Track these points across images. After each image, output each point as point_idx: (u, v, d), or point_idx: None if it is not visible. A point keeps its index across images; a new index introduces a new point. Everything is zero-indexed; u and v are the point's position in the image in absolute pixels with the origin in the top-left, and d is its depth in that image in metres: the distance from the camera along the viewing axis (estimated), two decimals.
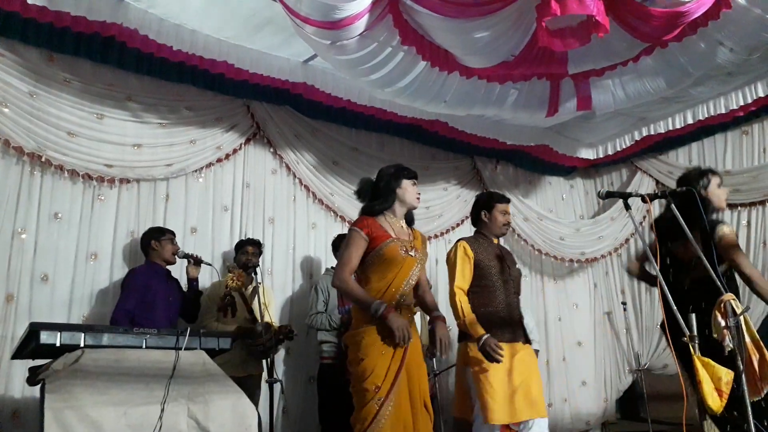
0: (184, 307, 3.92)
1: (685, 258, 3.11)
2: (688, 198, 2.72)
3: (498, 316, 3.24)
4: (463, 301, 3.23)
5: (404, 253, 2.81)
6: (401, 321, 2.64)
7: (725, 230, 3.07)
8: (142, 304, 3.63)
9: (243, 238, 4.54)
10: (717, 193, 3.21)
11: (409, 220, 3.02)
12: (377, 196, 2.93)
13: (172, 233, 4.00)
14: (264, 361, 3.98)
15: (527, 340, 3.40)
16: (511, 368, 3.16)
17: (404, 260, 2.81)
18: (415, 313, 3.08)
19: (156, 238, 3.89)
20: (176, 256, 3.92)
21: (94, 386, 2.59)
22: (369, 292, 2.75)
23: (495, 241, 3.52)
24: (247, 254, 4.21)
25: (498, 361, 3.03)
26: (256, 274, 3.79)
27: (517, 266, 3.55)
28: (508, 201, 3.57)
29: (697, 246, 2.60)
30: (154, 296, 3.70)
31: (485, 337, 3.07)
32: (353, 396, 2.80)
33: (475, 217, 3.56)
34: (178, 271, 4.14)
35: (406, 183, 2.95)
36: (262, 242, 4.44)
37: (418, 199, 3.01)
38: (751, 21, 3.99)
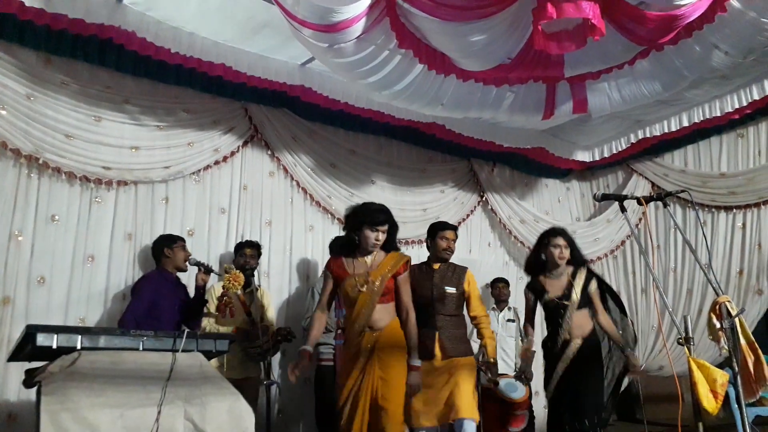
0: (187, 314, 3.91)
1: None
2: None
3: (423, 335, 3.44)
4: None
5: (356, 290, 3.14)
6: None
7: None
8: (150, 311, 3.63)
9: (241, 240, 4.54)
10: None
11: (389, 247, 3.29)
12: (346, 237, 3.29)
13: (183, 240, 4.01)
14: (260, 363, 3.98)
15: (448, 356, 3.64)
16: (436, 380, 3.57)
17: (357, 295, 3.13)
18: None
19: (168, 245, 3.90)
20: (188, 264, 3.93)
21: (91, 388, 2.59)
22: (346, 318, 3.25)
23: (436, 266, 3.86)
24: (245, 256, 4.21)
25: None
26: (253, 276, 3.79)
27: (452, 289, 3.77)
28: (451, 228, 3.97)
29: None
30: (162, 303, 3.71)
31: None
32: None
33: (427, 244, 4.00)
34: (186, 277, 4.14)
35: (366, 230, 3.17)
36: (260, 244, 4.44)
37: (378, 241, 3.21)
38: (746, 24, 4.01)
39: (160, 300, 3.71)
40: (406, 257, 3.29)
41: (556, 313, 3.67)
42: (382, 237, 3.19)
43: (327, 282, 3.27)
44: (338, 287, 3.24)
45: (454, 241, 3.90)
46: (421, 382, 3.19)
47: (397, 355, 3.13)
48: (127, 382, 2.70)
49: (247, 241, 4.41)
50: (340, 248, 3.29)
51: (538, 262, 3.82)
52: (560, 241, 3.70)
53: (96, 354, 2.68)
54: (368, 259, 3.21)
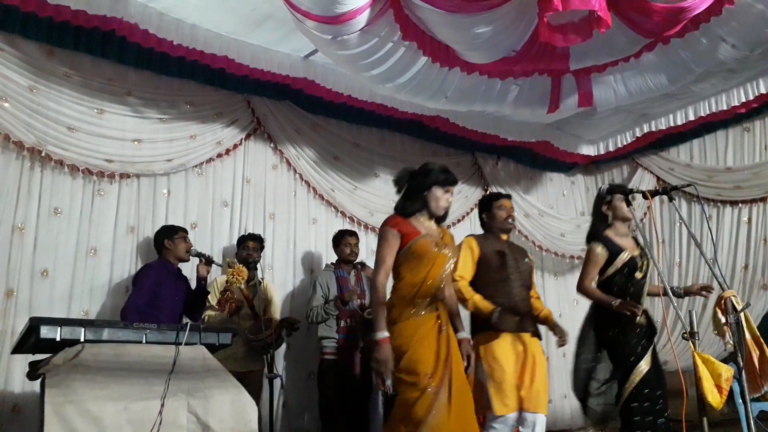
0: (188, 305, 3.92)
1: None
2: None
3: (505, 307, 3.29)
4: (463, 286, 3.36)
5: (436, 249, 2.79)
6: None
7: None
8: (152, 301, 3.66)
9: (243, 233, 4.54)
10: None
11: (438, 219, 2.97)
12: (408, 195, 2.92)
13: (185, 231, 4.03)
14: (264, 357, 3.98)
15: (536, 335, 3.46)
16: (516, 359, 3.27)
17: (436, 256, 2.78)
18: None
19: (169, 236, 3.93)
20: (189, 254, 3.95)
21: (94, 381, 2.60)
22: (403, 288, 2.75)
23: (504, 237, 3.62)
24: (248, 249, 4.21)
25: (507, 331, 3.23)
26: (256, 269, 3.78)
27: (527, 260, 3.60)
28: (506, 197, 3.69)
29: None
30: (164, 293, 3.74)
31: (498, 309, 3.20)
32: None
33: (481, 221, 3.72)
34: (189, 270, 4.17)
35: (436, 190, 2.89)
36: (263, 237, 4.43)
37: (448, 207, 2.95)
38: (753, 17, 3.97)
39: (161, 290, 3.72)
40: (453, 237, 3.04)
41: (631, 277, 3.31)
42: (451, 199, 2.95)
43: (391, 241, 2.77)
44: (401, 249, 2.78)
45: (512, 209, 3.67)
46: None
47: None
48: (131, 375, 2.71)
49: (249, 234, 4.40)
50: (401, 209, 2.89)
51: (604, 221, 3.46)
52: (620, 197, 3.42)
53: (99, 347, 2.69)
54: (432, 225, 2.90)
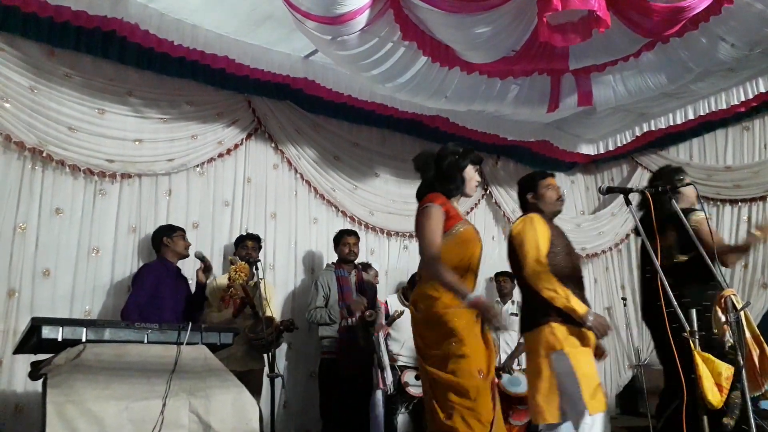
0: (189, 307, 3.93)
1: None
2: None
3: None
4: (548, 272, 2.82)
5: (478, 236, 2.76)
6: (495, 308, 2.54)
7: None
8: (152, 299, 3.66)
9: (244, 233, 4.55)
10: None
11: None
12: (446, 176, 2.78)
13: (183, 230, 4.06)
14: (265, 356, 3.99)
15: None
16: (592, 357, 2.88)
17: (478, 243, 2.73)
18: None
19: (168, 234, 3.95)
20: (193, 254, 3.97)
21: (96, 381, 2.60)
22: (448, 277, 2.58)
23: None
24: (246, 249, 4.22)
25: (606, 335, 2.77)
26: (257, 269, 3.79)
27: (576, 252, 3.23)
28: (552, 175, 3.25)
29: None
30: (164, 292, 3.75)
31: (592, 313, 2.74)
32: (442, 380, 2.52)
33: (523, 203, 3.23)
34: (190, 271, 4.18)
35: (470, 169, 2.82)
36: (262, 237, 4.44)
37: (479, 183, 2.88)
38: (752, 16, 3.98)
39: (161, 289, 3.74)
40: None
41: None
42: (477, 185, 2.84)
43: (440, 220, 2.63)
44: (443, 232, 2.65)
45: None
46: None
47: None
48: (132, 375, 2.71)
49: (247, 233, 4.42)
50: (444, 189, 2.73)
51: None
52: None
53: (101, 346, 2.69)
54: (460, 207, 2.76)
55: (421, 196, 2.82)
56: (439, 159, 2.81)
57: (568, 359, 2.74)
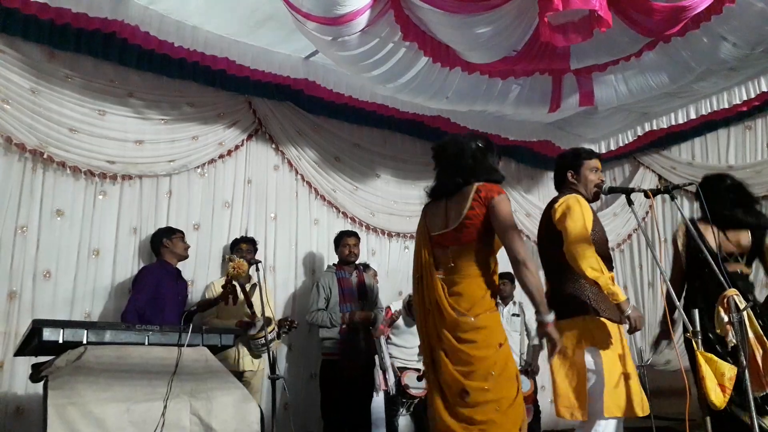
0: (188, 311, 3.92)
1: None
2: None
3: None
4: (596, 257, 2.57)
5: None
6: None
7: None
8: (153, 301, 3.66)
9: (245, 234, 4.55)
10: None
11: None
12: (492, 166, 2.66)
13: (182, 232, 4.06)
14: (266, 357, 3.98)
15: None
16: (624, 353, 2.68)
17: None
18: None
19: (167, 236, 3.96)
20: (189, 253, 3.98)
21: (97, 383, 2.60)
22: (493, 275, 2.58)
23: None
24: (241, 252, 4.20)
25: (639, 330, 2.59)
26: (258, 270, 3.78)
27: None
28: (598, 156, 2.98)
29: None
30: (164, 294, 3.74)
31: (632, 305, 2.57)
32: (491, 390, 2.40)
33: (560, 179, 2.97)
34: (191, 273, 4.19)
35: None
36: (262, 238, 4.43)
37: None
38: (754, 15, 3.97)
39: (162, 291, 3.73)
40: None
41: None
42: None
43: None
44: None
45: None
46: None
47: None
48: (133, 377, 2.71)
49: (242, 236, 4.42)
50: (500, 179, 2.62)
51: None
52: None
53: (102, 348, 2.69)
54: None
55: (458, 184, 2.60)
56: (470, 147, 2.66)
57: (599, 356, 2.61)
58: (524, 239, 6.24)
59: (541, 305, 2.41)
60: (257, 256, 4.28)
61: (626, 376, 2.62)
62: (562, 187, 2.96)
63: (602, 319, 2.64)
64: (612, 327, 2.66)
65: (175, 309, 3.79)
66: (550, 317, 2.39)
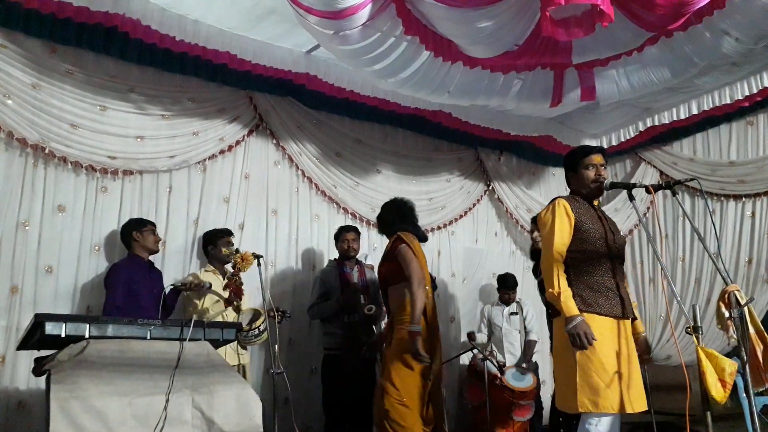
0: (166, 302, 3.83)
1: None
2: None
3: (605, 287, 2.76)
4: (560, 270, 2.74)
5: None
6: None
7: None
8: (129, 297, 3.60)
9: (245, 229, 4.53)
10: None
11: None
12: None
13: (153, 224, 3.99)
14: (270, 351, 3.97)
15: (635, 318, 2.94)
16: (620, 350, 2.70)
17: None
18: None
19: (137, 229, 3.87)
20: (159, 247, 3.92)
21: (99, 377, 2.61)
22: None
23: (595, 203, 3.05)
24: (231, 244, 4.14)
25: (585, 348, 2.61)
26: (259, 265, 3.78)
27: (621, 234, 3.10)
28: (599, 150, 3.01)
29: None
30: (138, 289, 3.68)
31: (579, 319, 2.62)
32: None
33: (568, 180, 3.09)
34: (163, 265, 4.15)
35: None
36: (263, 234, 4.42)
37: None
38: (757, 10, 3.95)
39: (136, 287, 3.67)
40: None
41: None
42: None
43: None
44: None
45: (604, 167, 2.99)
46: None
47: None
48: (135, 371, 2.72)
49: (224, 228, 4.31)
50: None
51: None
52: None
53: (104, 343, 2.70)
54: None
55: None
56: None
57: (587, 350, 2.63)
58: (526, 234, 6.26)
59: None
60: (258, 251, 4.26)
61: (606, 372, 2.62)
62: (569, 185, 3.07)
63: (589, 315, 2.68)
64: (603, 323, 2.70)
65: (151, 302, 3.71)
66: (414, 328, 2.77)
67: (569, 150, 3.16)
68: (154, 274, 3.94)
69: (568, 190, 3.08)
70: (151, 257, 3.97)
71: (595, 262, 2.79)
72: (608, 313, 2.72)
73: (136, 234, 3.86)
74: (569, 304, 2.66)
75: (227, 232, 4.20)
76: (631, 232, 6.82)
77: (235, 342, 3.88)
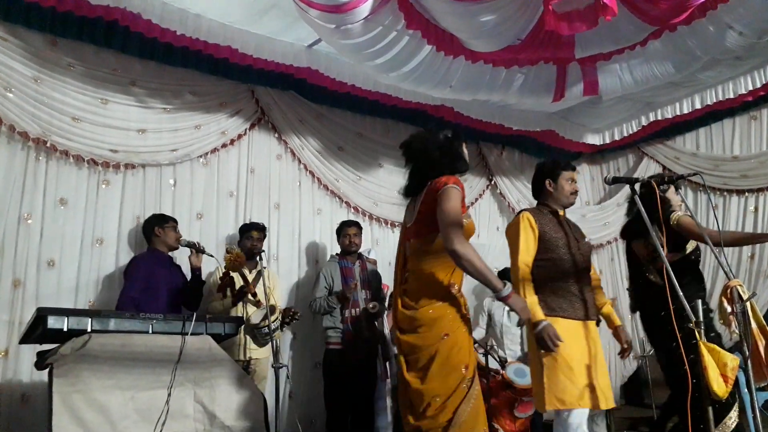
0: (186, 295, 3.92)
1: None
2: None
3: (568, 292, 2.94)
4: (526, 279, 2.92)
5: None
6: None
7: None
8: (146, 291, 3.62)
9: (248, 221, 4.54)
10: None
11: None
12: (453, 155, 2.68)
13: (175, 221, 4.01)
14: (270, 346, 4.00)
15: (599, 321, 3.15)
16: (584, 350, 2.86)
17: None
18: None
19: (159, 225, 3.91)
20: (179, 243, 3.94)
21: (102, 371, 2.62)
22: (450, 268, 2.54)
23: (561, 212, 3.22)
24: (252, 239, 4.20)
25: (552, 350, 2.75)
26: (261, 259, 3.79)
27: (586, 240, 3.25)
28: (574, 168, 3.27)
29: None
30: (157, 283, 3.70)
31: (545, 323, 2.78)
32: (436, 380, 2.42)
33: (538, 187, 3.25)
34: (179, 259, 4.16)
35: (464, 147, 2.85)
36: (266, 226, 4.42)
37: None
38: (760, 4, 3.94)
39: (154, 280, 3.69)
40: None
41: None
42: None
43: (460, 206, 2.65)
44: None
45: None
46: None
47: None
48: (137, 365, 2.73)
49: (252, 223, 4.37)
50: (451, 169, 2.62)
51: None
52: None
53: (106, 337, 2.71)
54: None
55: (423, 179, 2.60)
56: (435, 140, 2.65)
57: (542, 353, 2.80)
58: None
59: (491, 282, 2.41)
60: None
61: (571, 370, 2.77)
62: (540, 194, 3.24)
63: (553, 318, 2.83)
64: (567, 325, 2.84)
65: (170, 297, 3.76)
66: (507, 290, 2.43)
67: (545, 161, 3.33)
68: (174, 269, 3.97)
69: (549, 190, 3.18)
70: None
71: (559, 269, 2.97)
72: (571, 316, 2.89)
73: (158, 230, 3.89)
74: (535, 310, 2.81)
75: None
76: None
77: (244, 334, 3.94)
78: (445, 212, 2.40)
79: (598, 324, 3.11)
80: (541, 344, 2.77)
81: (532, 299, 2.84)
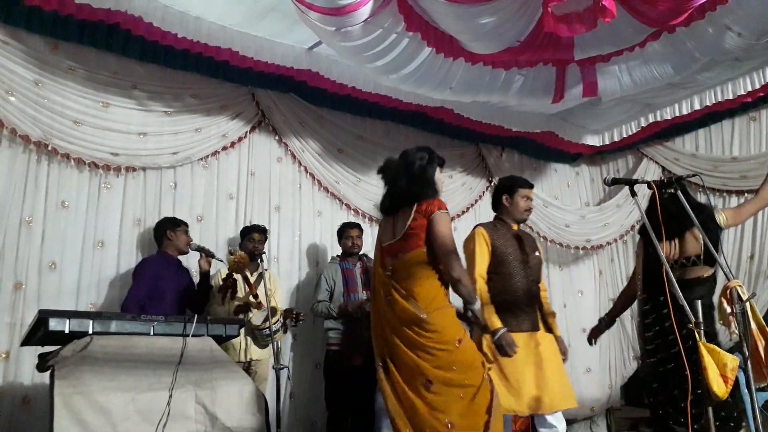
0: (194, 299, 3.94)
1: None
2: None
3: (515, 305, 3.19)
4: (482, 290, 3.18)
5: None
6: None
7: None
8: (153, 293, 3.66)
9: (249, 224, 4.55)
10: None
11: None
12: (428, 182, 2.98)
13: (186, 224, 4.05)
14: (271, 347, 4.01)
15: (548, 329, 3.39)
16: (535, 359, 3.15)
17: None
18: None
19: (171, 228, 3.95)
20: (189, 248, 3.96)
21: (103, 372, 2.63)
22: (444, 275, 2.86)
23: (515, 227, 3.48)
24: (254, 241, 4.22)
25: (509, 356, 3.01)
26: (262, 261, 3.80)
27: (537, 254, 3.49)
28: (531, 186, 3.56)
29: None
30: (164, 286, 3.74)
31: (502, 331, 3.03)
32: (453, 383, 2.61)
33: (497, 201, 3.53)
34: (188, 263, 4.18)
35: (439, 172, 3.10)
36: (267, 228, 4.44)
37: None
38: (759, 5, 3.94)
39: (161, 283, 3.73)
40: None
41: None
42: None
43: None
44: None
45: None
46: None
47: None
48: (139, 367, 2.74)
49: (254, 225, 4.41)
50: (433, 194, 2.86)
51: None
52: None
53: (107, 339, 2.72)
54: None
55: (396, 203, 2.87)
56: (410, 165, 2.91)
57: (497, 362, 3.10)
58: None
59: (476, 300, 2.76)
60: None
61: (510, 379, 3.09)
62: (497, 208, 3.54)
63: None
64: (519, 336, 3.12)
65: (177, 300, 3.80)
66: (478, 303, 2.77)
67: (506, 177, 3.67)
68: (182, 273, 3.99)
69: (505, 205, 3.50)
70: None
71: (509, 283, 3.23)
72: (516, 329, 3.12)
73: (169, 233, 3.93)
74: (493, 320, 3.08)
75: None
76: (632, 227, 6.81)
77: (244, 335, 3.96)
78: (442, 239, 2.68)
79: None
80: (500, 351, 3.00)
81: (489, 309, 3.12)
